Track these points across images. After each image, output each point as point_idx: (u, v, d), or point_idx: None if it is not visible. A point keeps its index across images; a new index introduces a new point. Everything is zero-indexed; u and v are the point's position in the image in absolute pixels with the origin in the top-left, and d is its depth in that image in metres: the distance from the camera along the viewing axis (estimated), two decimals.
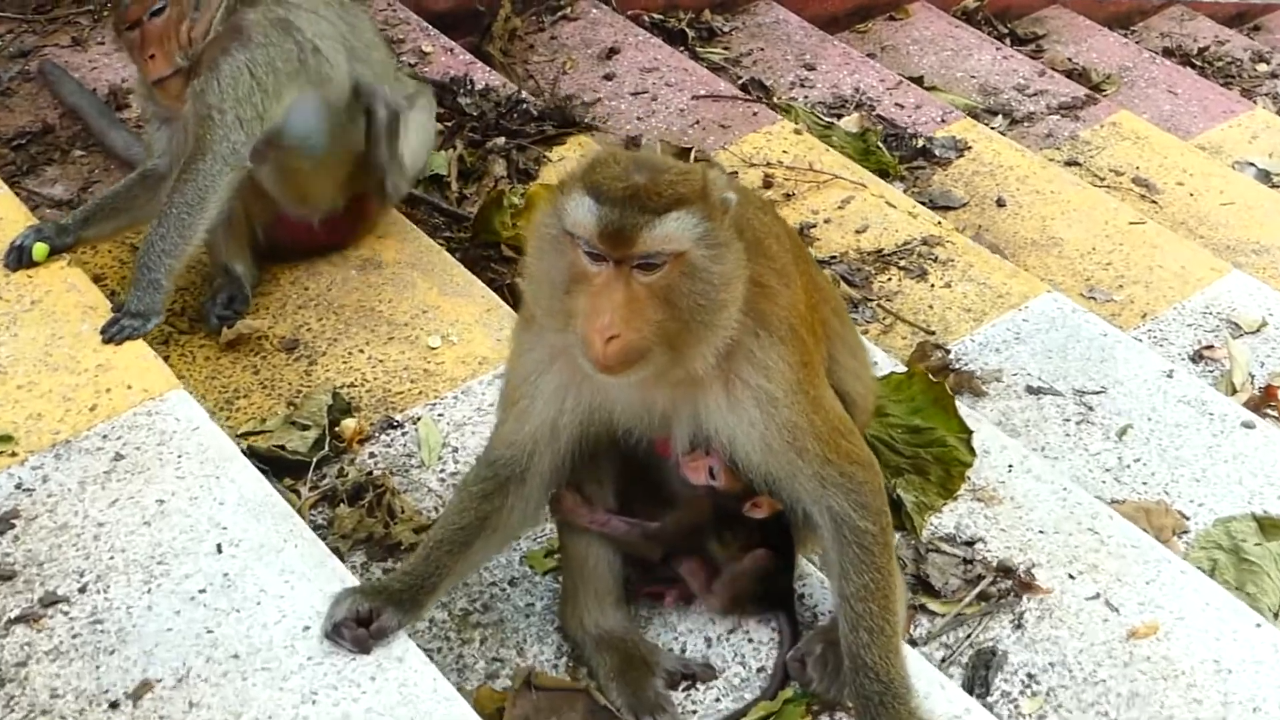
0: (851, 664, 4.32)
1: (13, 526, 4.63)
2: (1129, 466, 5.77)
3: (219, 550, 4.55)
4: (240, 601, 4.40)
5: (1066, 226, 7.34)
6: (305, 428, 5.33)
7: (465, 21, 8.24)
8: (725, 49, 8.95)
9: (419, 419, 5.42)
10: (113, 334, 5.26)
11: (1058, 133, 8.39)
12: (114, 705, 4.15)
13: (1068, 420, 5.98)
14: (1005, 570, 5.14)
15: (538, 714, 4.45)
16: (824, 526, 4.29)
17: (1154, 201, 7.75)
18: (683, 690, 4.58)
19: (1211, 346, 6.75)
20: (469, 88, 7.04)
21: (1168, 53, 9.60)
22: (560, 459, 4.39)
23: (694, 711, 4.52)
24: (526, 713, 4.39)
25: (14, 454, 4.86)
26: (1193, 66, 9.46)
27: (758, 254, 4.09)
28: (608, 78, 8.15)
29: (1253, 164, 7.43)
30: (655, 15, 9.16)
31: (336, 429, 5.36)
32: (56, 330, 5.27)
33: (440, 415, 5.40)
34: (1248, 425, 6.09)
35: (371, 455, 5.33)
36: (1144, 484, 5.78)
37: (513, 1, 7.77)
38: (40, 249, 5.50)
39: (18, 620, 4.33)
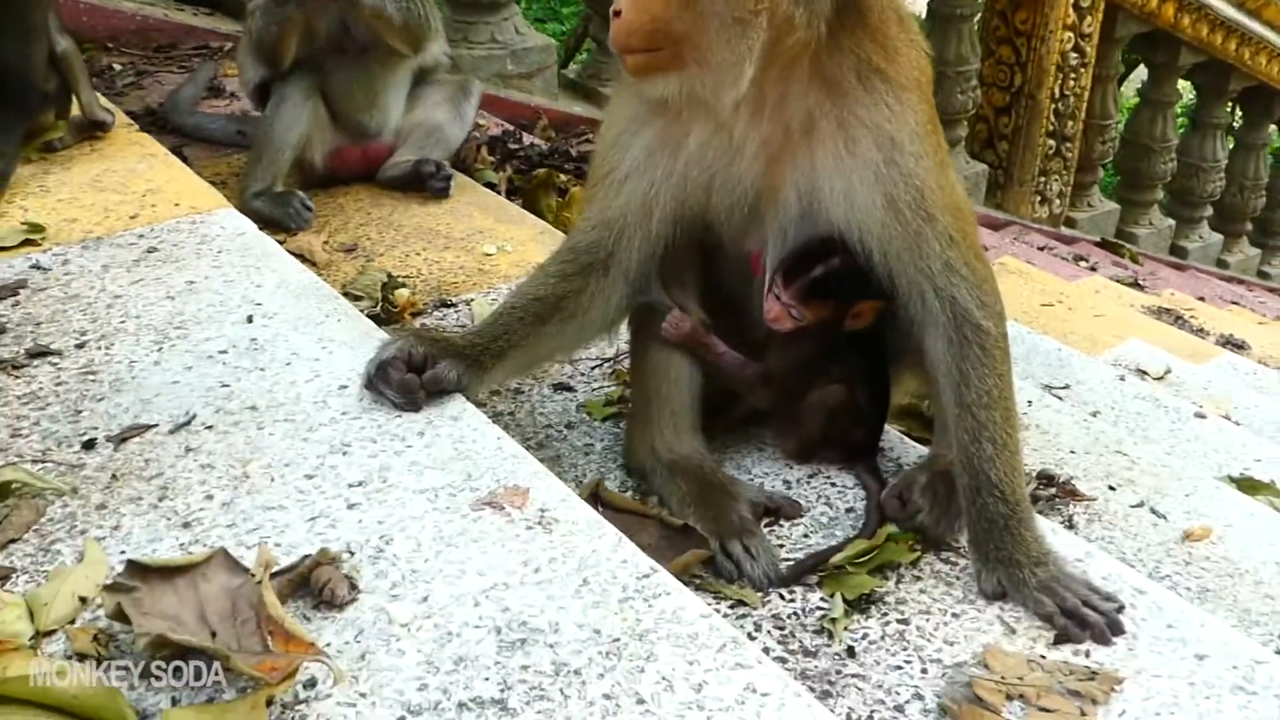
0: (973, 482, 2.24)
1: (15, 295, 2.44)
2: (1099, 439, 3.63)
3: (249, 320, 2.39)
4: (266, 362, 2.24)
5: None
6: (358, 298, 3.18)
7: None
8: None
9: (472, 300, 3.29)
10: None
11: None
12: (89, 445, 1.97)
13: (1046, 406, 3.91)
14: (1047, 478, 3.08)
15: None
16: (942, 325, 2.25)
17: (1048, 305, 5.86)
18: (765, 526, 2.41)
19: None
20: (518, 139, 5.08)
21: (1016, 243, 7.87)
22: (650, 247, 2.34)
23: (781, 546, 2.35)
24: None
25: (38, 243, 2.67)
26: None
27: (883, 9, 2.17)
28: None
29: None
30: None
31: (390, 299, 3.21)
32: (111, 166, 3.11)
33: (494, 300, 3.29)
34: (1200, 415, 4.16)
35: (423, 325, 3.16)
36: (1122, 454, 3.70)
37: (552, 124, 5.92)
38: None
39: None
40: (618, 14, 2.06)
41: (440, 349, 2.20)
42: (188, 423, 2.05)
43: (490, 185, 4.43)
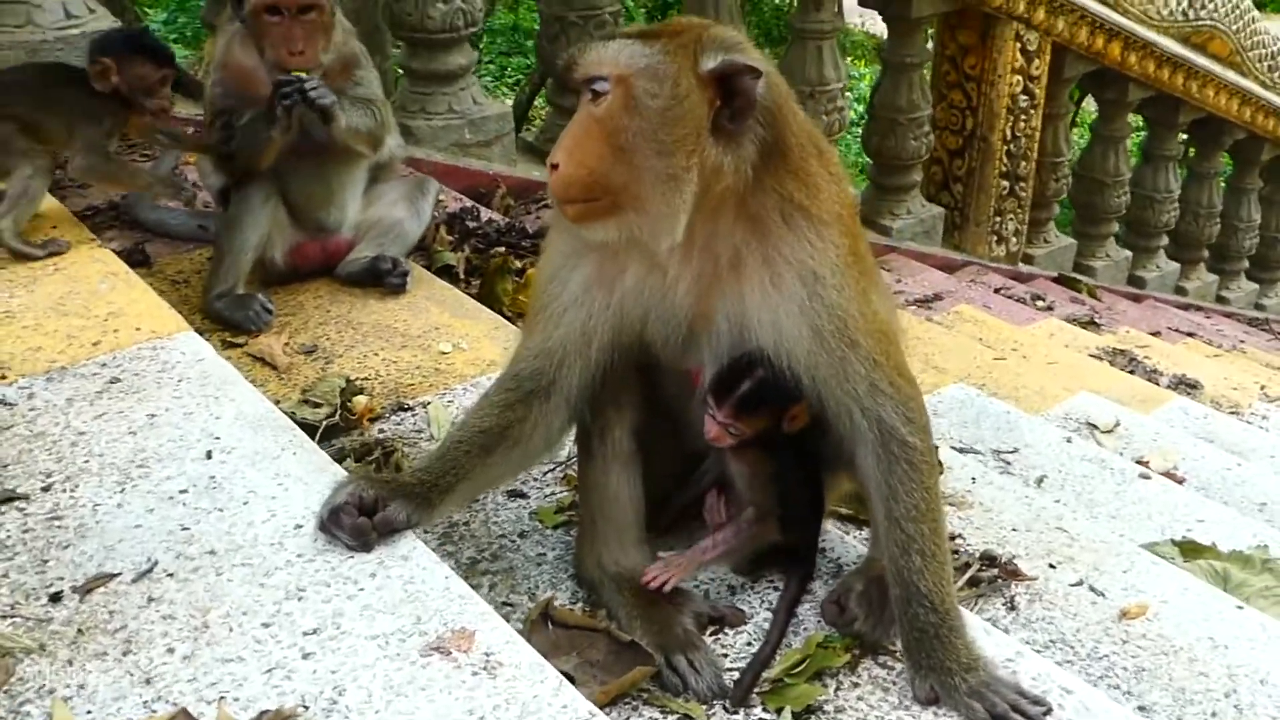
0: (903, 593, 2.37)
1: None
2: (1040, 515, 3.73)
3: (208, 456, 2.48)
4: (225, 501, 2.33)
5: (945, 360, 5.58)
6: (317, 405, 3.27)
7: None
8: None
9: (429, 404, 3.38)
10: None
11: (918, 316, 6.64)
12: (56, 598, 2.07)
13: (990, 483, 4.01)
14: (989, 559, 3.22)
15: (556, 649, 2.38)
16: (870, 442, 2.37)
17: (1000, 359, 5.99)
18: (710, 635, 2.53)
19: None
20: (475, 216, 5.17)
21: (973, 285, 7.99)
22: (589, 372, 2.46)
23: (725, 654, 2.48)
24: (544, 647, 2.29)
25: (3, 376, 2.77)
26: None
27: (803, 147, 2.30)
28: None
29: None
30: None
31: (348, 405, 3.31)
32: (74, 288, 3.20)
33: (450, 402, 3.40)
34: (1144, 476, 4.28)
35: (381, 431, 3.28)
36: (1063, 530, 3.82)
37: (511, 191, 6.03)
38: None
39: None
40: (555, 167, 2.18)
41: (390, 490, 2.30)
42: (150, 570, 2.15)
43: (448, 266, 4.56)
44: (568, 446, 2.83)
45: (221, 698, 1.88)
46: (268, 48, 3.63)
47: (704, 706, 2.31)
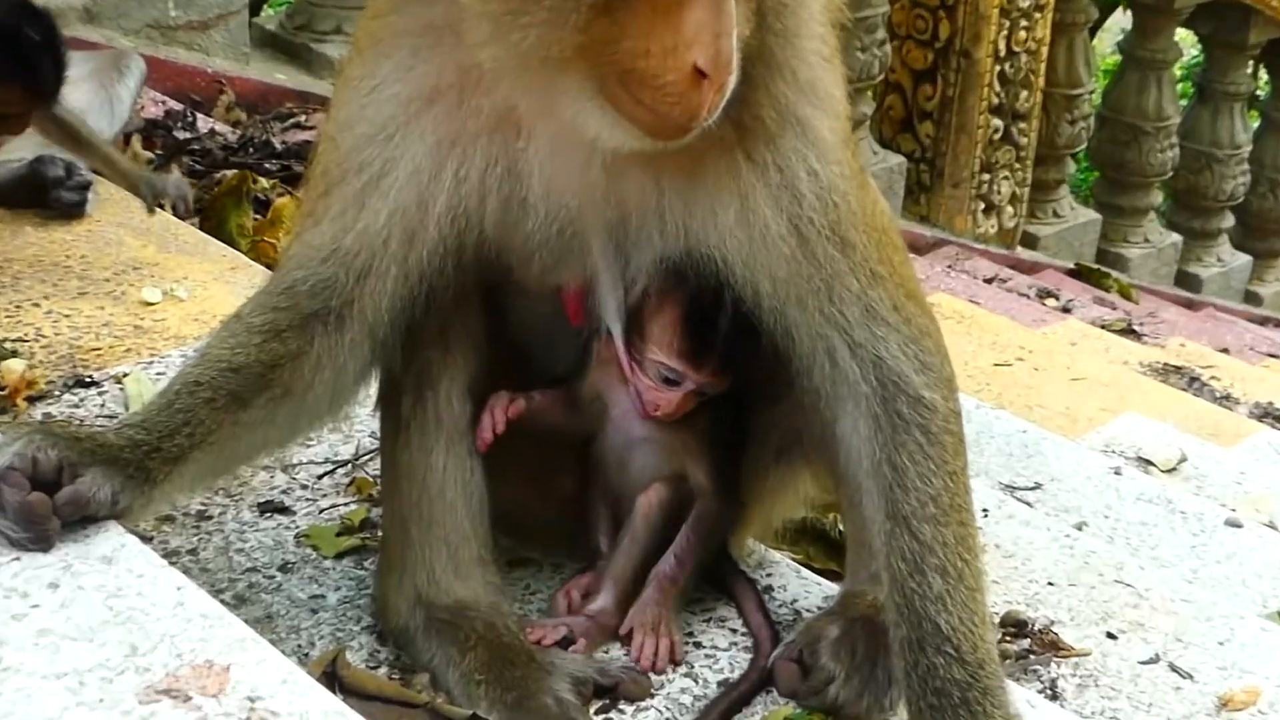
0: (914, 635, 2.36)
1: None
2: (1088, 562, 3.75)
3: None
4: None
5: None
6: None
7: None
8: None
9: (126, 376, 3.32)
10: None
11: None
12: None
13: (1010, 516, 4.06)
14: (1016, 624, 3.27)
15: None
16: (864, 398, 2.39)
17: (1003, 365, 6.14)
18: (598, 713, 2.50)
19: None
20: (188, 123, 5.13)
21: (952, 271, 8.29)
22: (407, 290, 2.43)
23: None
24: None
25: None
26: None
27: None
28: None
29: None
30: None
31: None
32: None
33: (160, 374, 3.31)
34: (1233, 524, 4.40)
35: (48, 415, 3.17)
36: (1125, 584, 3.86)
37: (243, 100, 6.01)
38: None
39: None
40: (704, 75, 2.09)
41: (84, 452, 2.20)
42: None
43: None
44: (359, 436, 2.81)
45: None
46: None
47: None
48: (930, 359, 2.40)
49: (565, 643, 2.56)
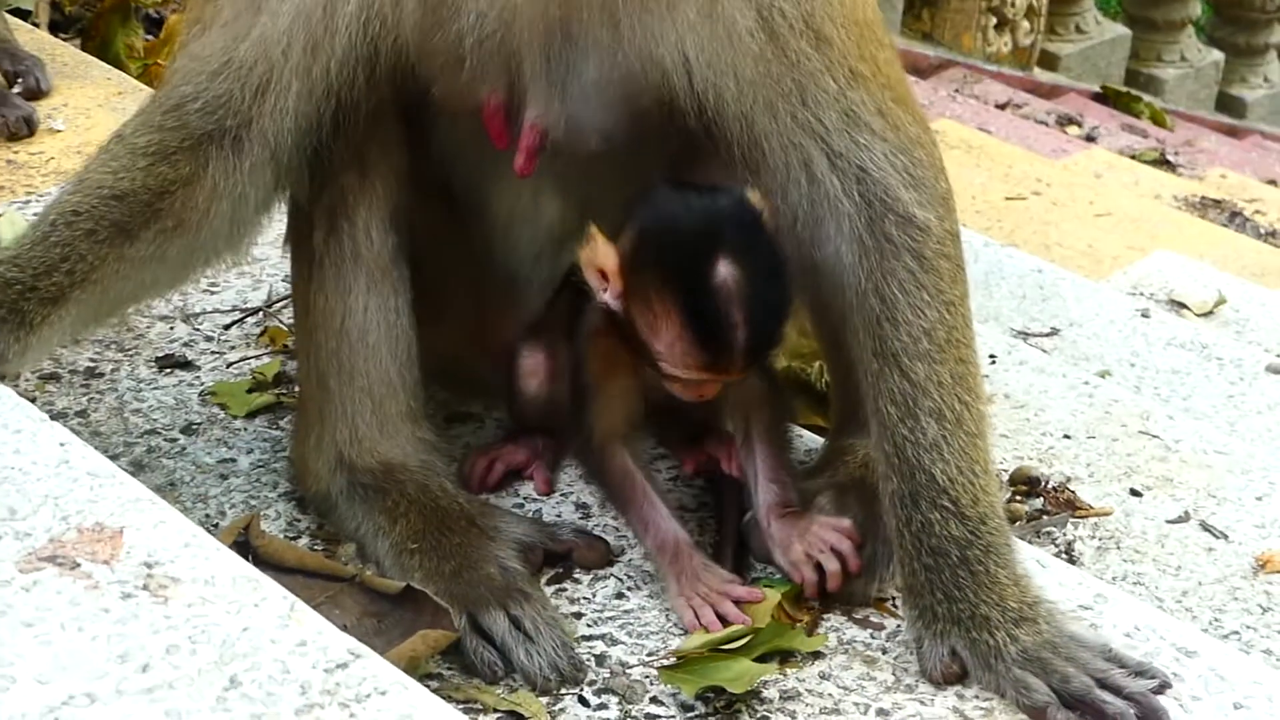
0: (907, 486, 2.40)
1: None
2: (1110, 412, 3.82)
3: None
4: None
5: None
6: None
7: None
8: None
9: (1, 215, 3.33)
10: None
11: None
12: None
13: (1022, 362, 4.12)
14: (1029, 481, 3.32)
15: None
16: (846, 218, 2.41)
17: (1017, 199, 6.20)
18: (550, 583, 2.54)
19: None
20: None
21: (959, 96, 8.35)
22: (313, 105, 2.43)
23: (579, 614, 2.47)
24: None
25: None
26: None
27: None
28: None
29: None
30: None
31: None
32: None
33: (37, 213, 3.30)
34: (1275, 370, 4.47)
35: None
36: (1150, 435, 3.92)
37: None
38: None
39: None
40: None
41: None
42: None
43: (20, 12, 4.46)
44: (272, 281, 2.81)
45: None
46: None
47: (543, 699, 2.28)
48: (922, 172, 2.41)
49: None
